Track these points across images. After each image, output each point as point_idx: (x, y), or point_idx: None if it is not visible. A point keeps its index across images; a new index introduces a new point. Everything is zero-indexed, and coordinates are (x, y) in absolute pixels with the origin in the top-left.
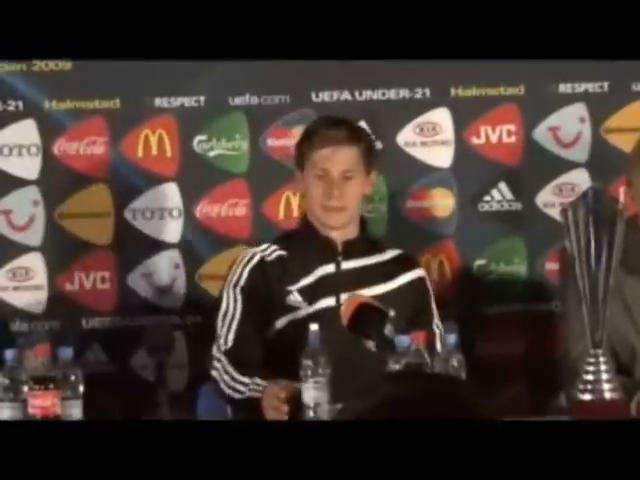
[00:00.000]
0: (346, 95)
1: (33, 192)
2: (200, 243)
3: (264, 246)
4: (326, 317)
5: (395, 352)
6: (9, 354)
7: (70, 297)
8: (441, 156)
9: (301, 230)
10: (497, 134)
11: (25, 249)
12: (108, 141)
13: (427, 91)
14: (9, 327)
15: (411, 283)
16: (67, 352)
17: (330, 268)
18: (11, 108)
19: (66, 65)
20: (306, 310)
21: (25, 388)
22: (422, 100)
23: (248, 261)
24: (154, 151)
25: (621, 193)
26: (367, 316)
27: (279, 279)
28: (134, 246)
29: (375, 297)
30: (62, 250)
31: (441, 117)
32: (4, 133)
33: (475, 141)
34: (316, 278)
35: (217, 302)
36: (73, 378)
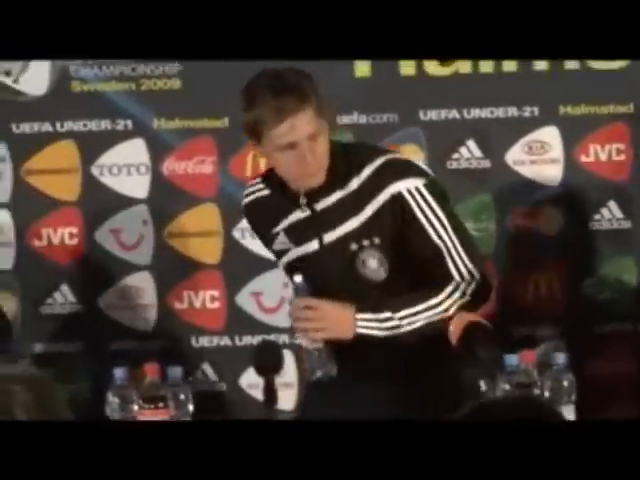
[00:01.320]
0: (454, 113)
1: (142, 211)
2: None
3: (247, 191)
4: (313, 260)
5: (503, 370)
6: (119, 372)
7: (179, 316)
8: (550, 174)
9: (273, 176)
10: (606, 152)
11: (135, 268)
12: (216, 160)
13: (535, 109)
14: (119, 346)
15: (384, 206)
16: (176, 371)
17: (306, 212)
18: (120, 127)
19: (175, 84)
20: (295, 252)
21: (135, 407)
22: (531, 118)
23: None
24: (262, 170)
25: None
26: (476, 335)
27: (264, 221)
28: (243, 265)
29: (350, 234)
30: (171, 269)
31: (550, 135)
32: (113, 152)
33: (584, 159)
34: (293, 221)
35: None
36: (182, 397)
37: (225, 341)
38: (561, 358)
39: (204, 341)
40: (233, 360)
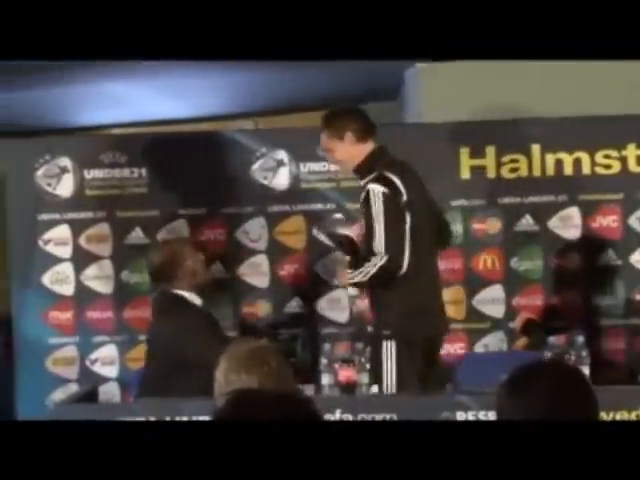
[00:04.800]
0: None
1: None
2: None
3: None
4: None
5: (547, 347)
6: (326, 346)
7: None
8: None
9: None
10: None
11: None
12: None
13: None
14: (325, 331)
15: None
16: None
17: None
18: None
19: None
20: None
21: (336, 365)
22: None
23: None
24: None
25: None
26: (531, 326)
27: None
28: None
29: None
30: None
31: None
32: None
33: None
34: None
35: None
36: (362, 360)
37: None
38: (581, 339)
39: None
40: None
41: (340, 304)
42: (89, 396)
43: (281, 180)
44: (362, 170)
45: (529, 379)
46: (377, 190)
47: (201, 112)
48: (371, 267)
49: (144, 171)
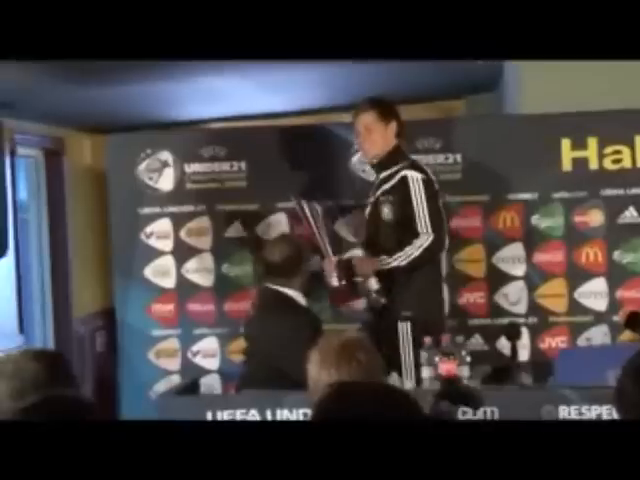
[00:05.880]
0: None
1: None
2: None
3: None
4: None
5: None
6: (428, 339)
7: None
8: None
9: None
10: None
11: None
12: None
13: None
14: None
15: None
16: (460, 338)
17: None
18: None
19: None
20: None
21: (437, 358)
22: None
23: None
24: None
25: None
26: (636, 319)
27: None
28: None
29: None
30: None
31: None
32: None
33: None
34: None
35: None
36: (463, 353)
37: (484, 322)
38: None
39: (474, 322)
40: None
41: None
42: (191, 388)
43: None
44: (387, 161)
45: None
46: (415, 176)
47: (299, 106)
48: (414, 250)
49: (243, 165)
